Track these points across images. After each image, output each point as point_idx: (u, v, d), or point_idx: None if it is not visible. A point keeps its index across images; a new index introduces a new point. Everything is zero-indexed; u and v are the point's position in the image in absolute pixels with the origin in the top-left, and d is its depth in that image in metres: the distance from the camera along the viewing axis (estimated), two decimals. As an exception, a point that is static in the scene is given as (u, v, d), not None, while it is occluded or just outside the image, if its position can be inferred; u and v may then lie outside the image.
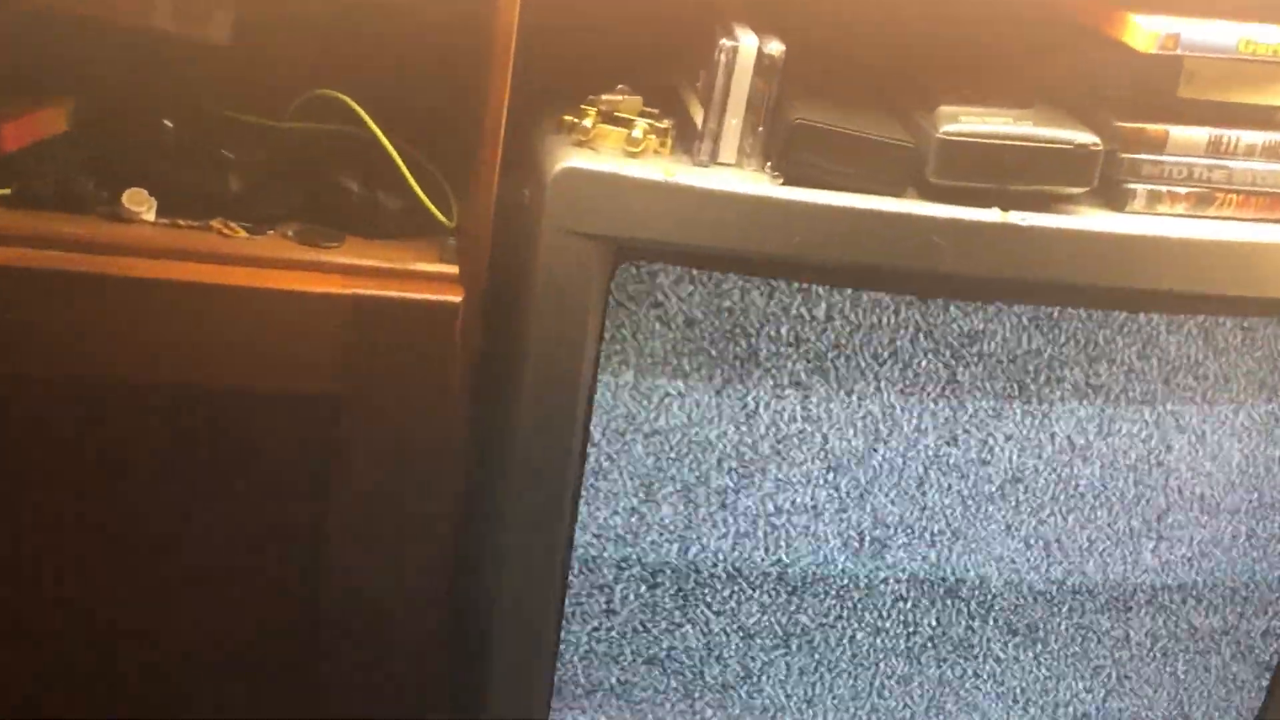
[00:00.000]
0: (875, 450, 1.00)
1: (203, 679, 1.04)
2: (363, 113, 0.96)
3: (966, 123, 0.94)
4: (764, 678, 1.06)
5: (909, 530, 1.03)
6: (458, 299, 0.95)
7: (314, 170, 0.98)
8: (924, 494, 1.02)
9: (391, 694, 1.04)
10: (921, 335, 0.97)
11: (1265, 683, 1.13)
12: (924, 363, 0.98)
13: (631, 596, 1.03)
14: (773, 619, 1.05)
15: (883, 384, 0.98)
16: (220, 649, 1.04)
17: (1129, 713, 1.12)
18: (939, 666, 1.07)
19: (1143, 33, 0.95)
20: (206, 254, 0.94)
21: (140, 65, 0.97)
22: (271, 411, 0.97)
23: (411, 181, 0.97)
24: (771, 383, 0.98)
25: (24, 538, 0.99)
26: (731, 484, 1.00)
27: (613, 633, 1.04)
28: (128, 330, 0.93)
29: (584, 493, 1.00)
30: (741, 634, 1.05)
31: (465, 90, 0.99)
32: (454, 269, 0.96)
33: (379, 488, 0.98)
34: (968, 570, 1.04)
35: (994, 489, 1.02)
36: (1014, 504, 1.03)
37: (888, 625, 1.05)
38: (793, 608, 1.05)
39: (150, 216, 0.95)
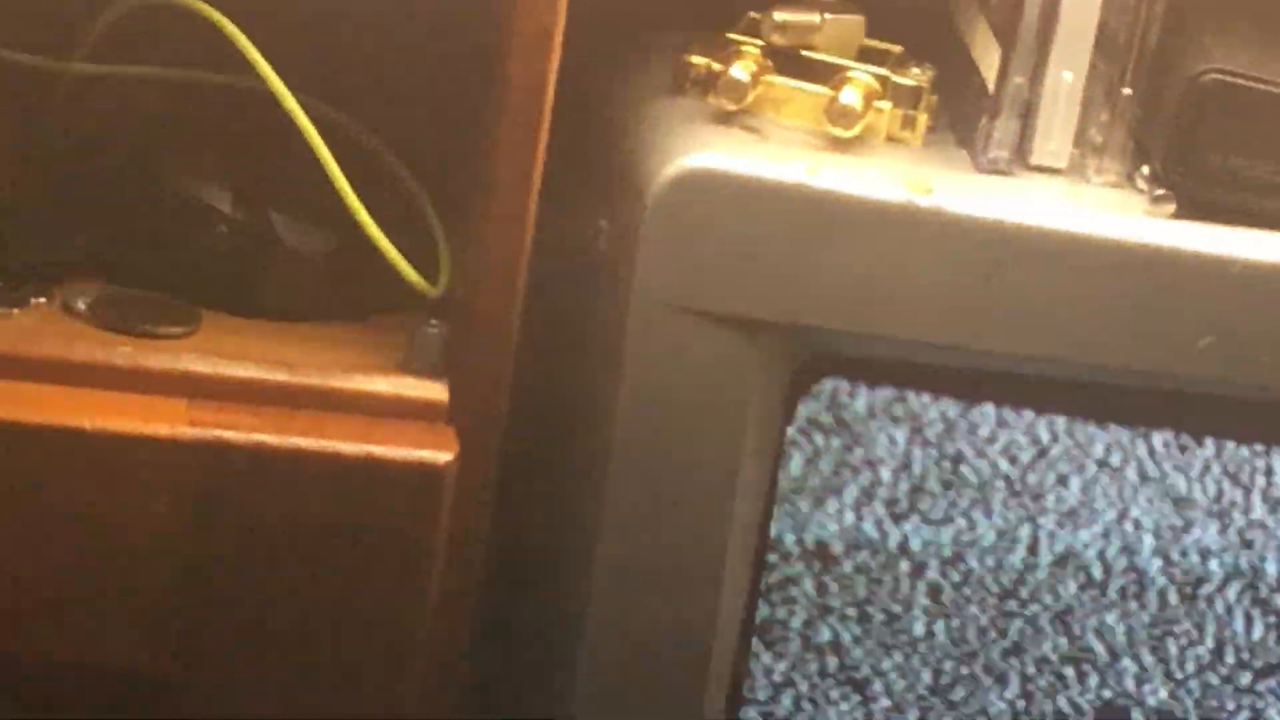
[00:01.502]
0: None
1: None
2: (246, 42, 0.44)
3: None
4: None
5: None
6: (445, 456, 0.46)
7: (139, 168, 0.47)
8: None
9: None
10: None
11: None
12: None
13: None
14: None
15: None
16: None
17: None
18: None
19: None
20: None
21: None
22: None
23: (350, 196, 0.45)
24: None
25: None
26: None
27: None
28: None
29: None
30: None
31: (484, 36, 0.51)
32: (439, 389, 0.47)
33: None
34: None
35: None
36: None
37: None
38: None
39: None
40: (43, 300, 0.48)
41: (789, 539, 0.51)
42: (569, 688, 0.55)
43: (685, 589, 0.51)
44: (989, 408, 0.48)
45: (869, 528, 0.51)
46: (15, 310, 0.47)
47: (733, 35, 0.49)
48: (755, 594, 0.52)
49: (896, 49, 0.50)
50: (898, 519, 0.50)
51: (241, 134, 0.50)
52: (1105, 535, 0.51)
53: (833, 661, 0.53)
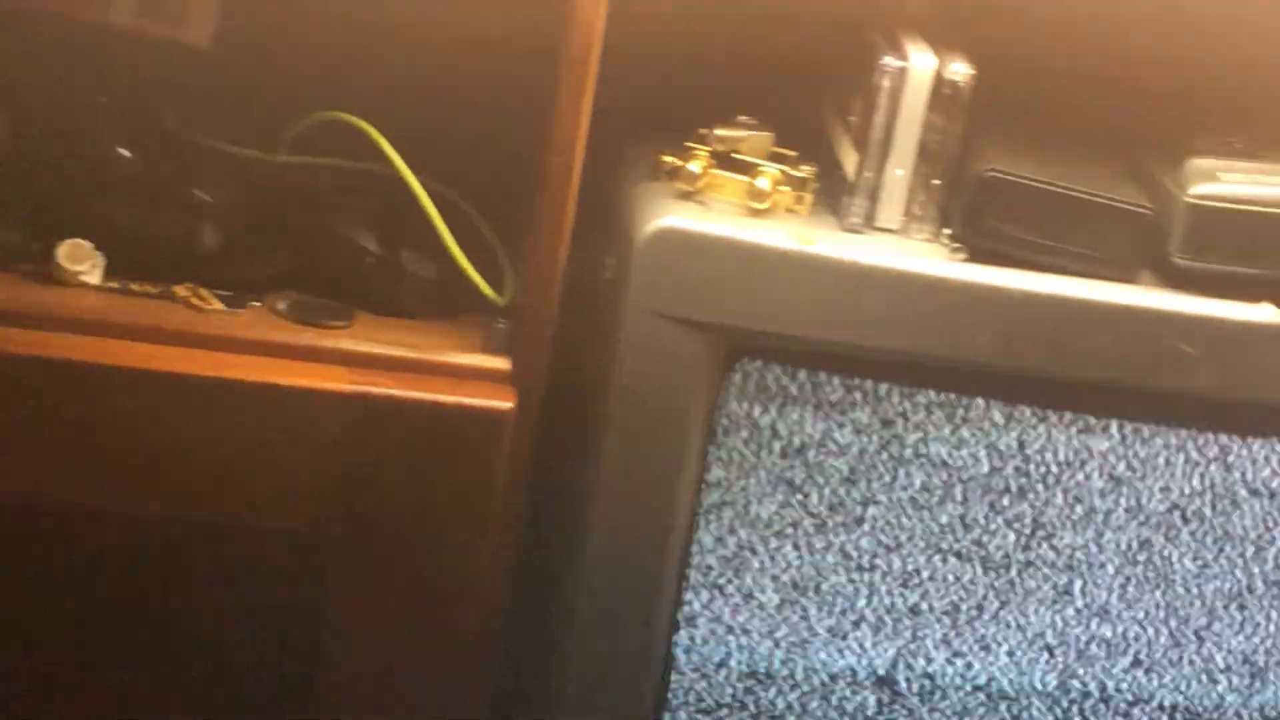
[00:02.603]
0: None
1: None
2: (386, 144, 0.66)
3: (1228, 183, 0.65)
4: None
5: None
6: (508, 405, 0.66)
7: (317, 221, 0.69)
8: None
9: None
10: (1158, 487, 0.67)
11: None
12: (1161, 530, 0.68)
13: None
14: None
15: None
16: None
17: None
18: None
19: None
20: (168, 332, 0.66)
21: (91, 73, 0.68)
22: (247, 553, 0.68)
23: (449, 240, 0.67)
24: (930, 518, 0.68)
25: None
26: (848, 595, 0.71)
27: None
28: (59, 435, 0.65)
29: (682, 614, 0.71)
30: None
31: (528, 118, 0.71)
32: (504, 363, 0.68)
33: (387, 651, 0.69)
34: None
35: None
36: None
37: None
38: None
39: (95, 278, 0.67)
40: (257, 304, 0.68)
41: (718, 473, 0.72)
42: (569, 613, 0.73)
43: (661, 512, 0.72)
44: (855, 379, 0.68)
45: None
46: (242, 310, 0.68)
47: (689, 143, 0.69)
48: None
49: (793, 154, 0.70)
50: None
51: (382, 198, 0.71)
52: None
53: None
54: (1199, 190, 0.64)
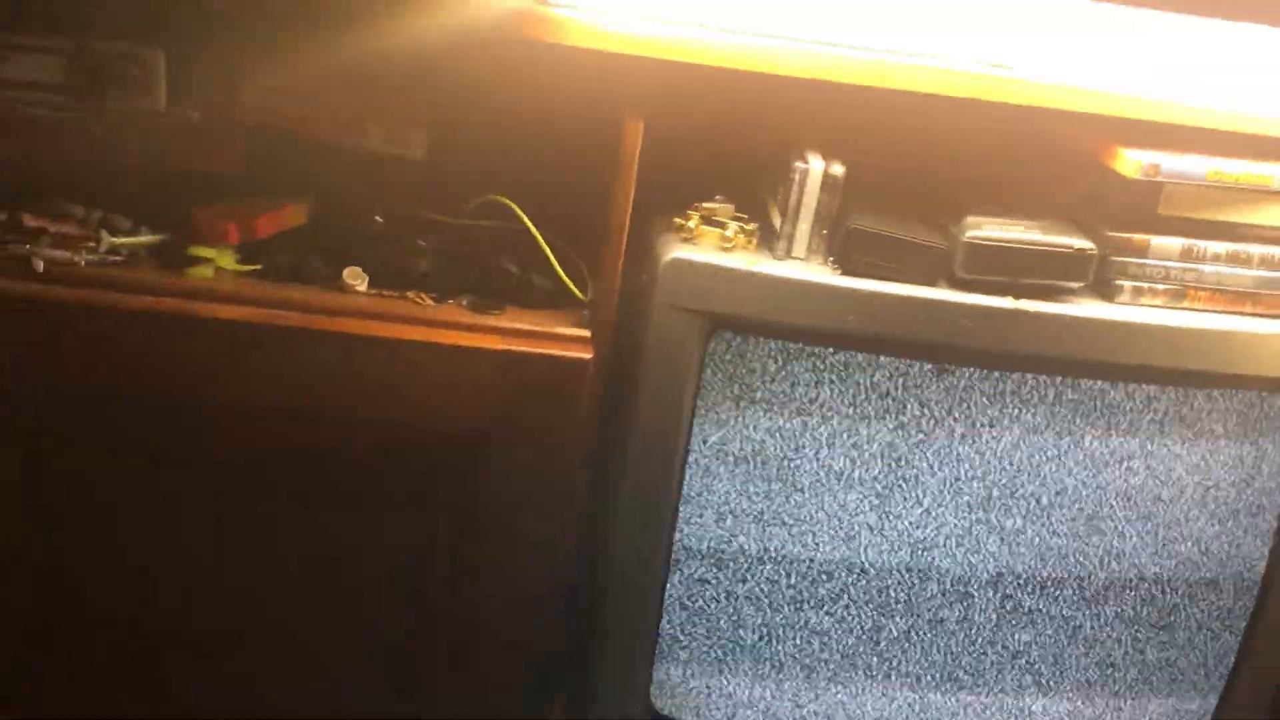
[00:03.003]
0: (911, 474, 1.15)
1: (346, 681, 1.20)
2: (520, 212, 1.15)
3: (988, 229, 1.10)
4: (825, 643, 1.21)
5: (926, 534, 1.17)
6: (589, 356, 1.12)
7: (484, 256, 1.17)
8: (946, 507, 1.16)
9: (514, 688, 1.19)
10: (949, 395, 1.12)
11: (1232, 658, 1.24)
12: (952, 416, 1.13)
13: (714, 581, 1.19)
14: (829, 597, 1.19)
15: (918, 433, 1.14)
16: (363, 649, 1.19)
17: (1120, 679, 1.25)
18: (951, 639, 1.21)
19: (1130, 162, 1.09)
20: (404, 317, 1.12)
21: (358, 176, 1.17)
22: (439, 442, 1.13)
23: (556, 266, 1.15)
24: (829, 425, 1.13)
25: (198, 547, 1.15)
26: (796, 501, 1.16)
27: (700, 606, 1.20)
28: (341, 374, 1.11)
29: (682, 506, 1.16)
30: (805, 608, 1.19)
31: (599, 195, 1.15)
32: (586, 334, 1.13)
33: (521, 500, 1.14)
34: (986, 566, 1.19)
35: (1002, 504, 1.16)
36: (1016, 516, 1.17)
37: (912, 602, 1.20)
38: (847, 591, 1.20)
39: (363, 288, 1.14)
40: (451, 302, 1.14)
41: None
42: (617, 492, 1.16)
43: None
44: (785, 342, 1.11)
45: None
46: (443, 305, 1.13)
47: (688, 211, 1.14)
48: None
49: (744, 215, 1.14)
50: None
51: (519, 243, 1.18)
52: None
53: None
54: (972, 234, 1.10)
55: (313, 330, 1.10)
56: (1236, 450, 1.15)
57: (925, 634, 1.20)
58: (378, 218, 1.15)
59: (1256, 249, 1.11)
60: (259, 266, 1.14)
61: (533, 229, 1.15)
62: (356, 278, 1.14)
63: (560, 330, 1.13)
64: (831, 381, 1.12)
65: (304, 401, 1.11)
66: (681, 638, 1.20)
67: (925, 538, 1.17)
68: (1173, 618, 1.21)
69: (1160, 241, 1.10)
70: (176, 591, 1.16)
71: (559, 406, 1.12)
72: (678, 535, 1.16)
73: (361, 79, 1.13)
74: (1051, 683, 1.22)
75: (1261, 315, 1.11)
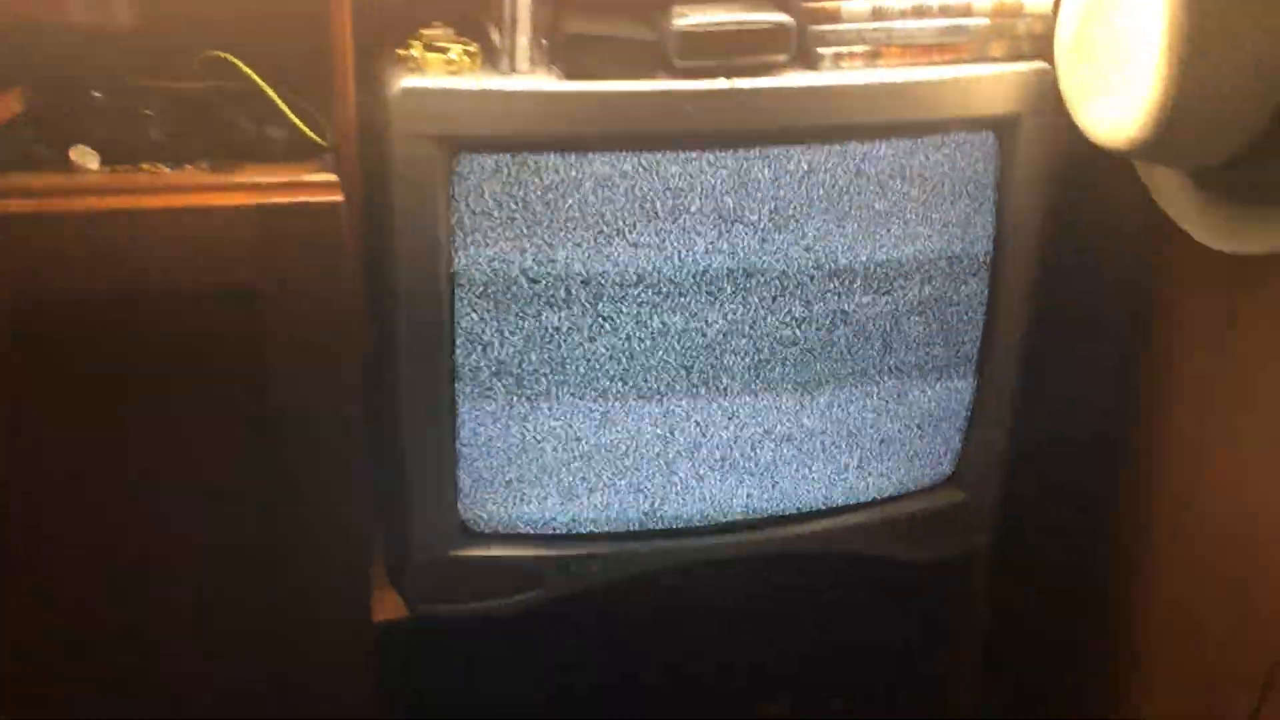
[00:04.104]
0: (665, 267, 1.20)
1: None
2: (244, 67, 1.13)
3: (695, 17, 1.13)
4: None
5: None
6: (339, 199, 1.11)
7: (215, 116, 1.14)
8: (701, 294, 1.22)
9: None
10: (686, 178, 1.17)
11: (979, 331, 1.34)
12: (692, 200, 1.18)
13: (499, 409, 1.22)
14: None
15: (662, 221, 1.18)
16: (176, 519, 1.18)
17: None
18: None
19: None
20: (143, 188, 1.10)
21: (66, 53, 1.13)
22: (204, 306, 1.11)
23: (290, 114, 1.14)
24: (581, 230, 1.16)
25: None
26: (564, 310, 1.19)
27: (493, 419, 1.23)
28: (84, 253, 1.07)
29: (457, 333, 1.18)
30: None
31: (320, 40, 1.12)
32: (333, 178, 1.12)
33: (302, 352, 1.14)
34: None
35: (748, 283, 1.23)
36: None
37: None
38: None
39: (95, 166, 1.10)
40: (190, 166, 1.12)
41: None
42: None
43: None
44: (520, 152, 1.13)
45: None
46: (182, 170, 1.11)
47: (410, 40, 1.12)
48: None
49: (465, 39, 1.14)
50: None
51: (246, 97, 1.16)
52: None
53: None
54: (680, 23, 1.12)
55: (52, 214, 1.06)
56: (949, 198, 1.25)
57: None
58: (95, 93, 1.11)
59: (935, 0, 1.18)
60: (-20, 162, 1.09)
61: (259, 80, 1.13)
62: (85, 156, 1.10)
63: (306, 178, 1.12)
64: (576, 185, 1.15)
65: (59, 285, 1.08)
66: (484, 458, 1.24)
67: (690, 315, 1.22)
68: (908, 393, 1.30)
69: (850, 6, 1.16)
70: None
71: (319, 254, 1.12)
72: (458, 364, 1.19)
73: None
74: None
75: (950, 62, 1.19)
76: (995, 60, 1.21)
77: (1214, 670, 1.30)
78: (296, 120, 1.14)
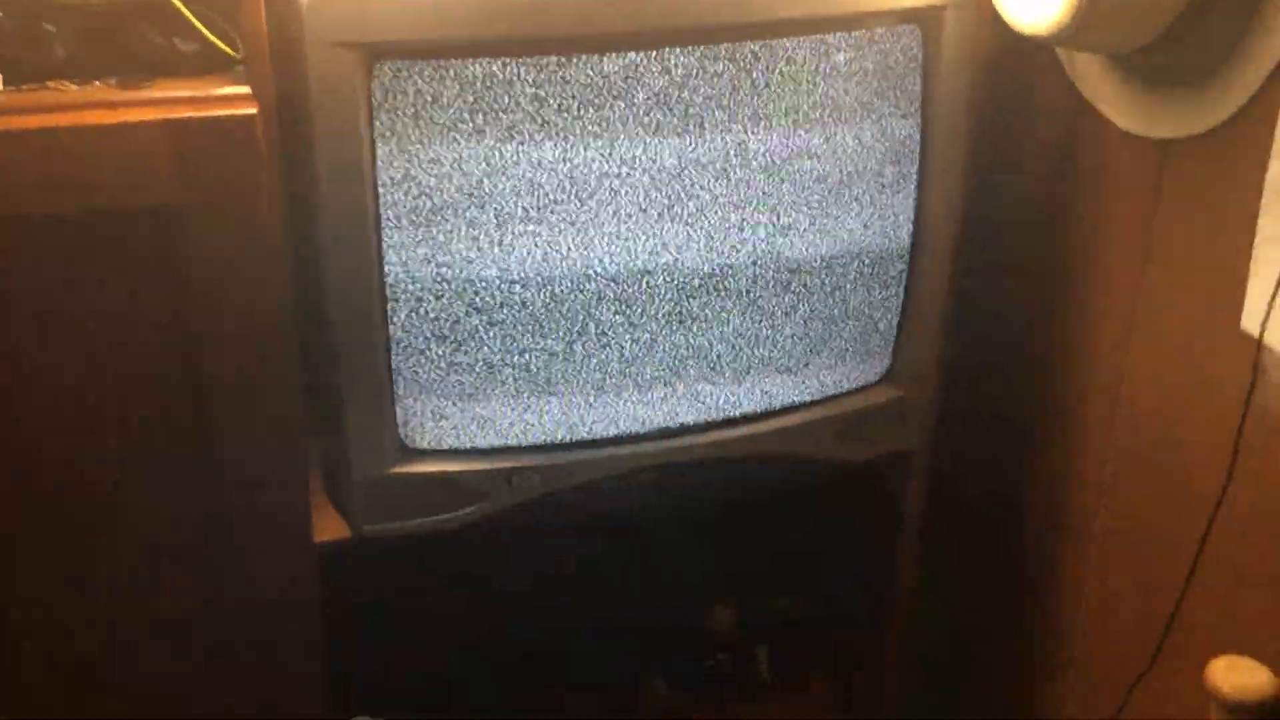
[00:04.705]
0: (593, 177, 1.17)
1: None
2: None
3: None
4: (544, 355, 1.25)
5: (610, 233, 1.21)
6: (254, 110, 1.08)
7: (121, 31, 1.10)
8: (623, 204, 1.20)
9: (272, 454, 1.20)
10: (607, 80, 1.14)
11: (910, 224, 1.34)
12: (615, 102, 1.15)
13: (431, 324, 1.20)
14: (551, 310, 1.22)
15: (584, 122, 1.16)
16: (102, 437, 1.15)
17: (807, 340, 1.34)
18: (660, 327, 1.27)
19: None
20: (50, 106, 1.06)
21: None
22: (122, 226, 1.08)
23: (199, 25, 1.10)
24: (501, 133, 1.13)
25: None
26: (492, 216, 1.17)
27: (429, 352, 1.21)
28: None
29: (385, 247, 1.15)
30: (518, 324, 1.22)
31: None
32: (246, 89, 1.09)
33: (227, 267, 1.12)
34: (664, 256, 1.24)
35: (670, 194, 1.21)
36: (687, 207, 1.22)
37: (616, 301, 1.25)
38: (558, 300, 1.23)
39: None
40: (99, 83, 1.08)
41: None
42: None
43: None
44: (442, 58, 1.09)
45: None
46: (91, 86, 1.07)
47: None
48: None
49: None
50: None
51: (153, 10, 1.12)
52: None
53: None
54: None
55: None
56: (875, 92, 1.24)
57: (626, 337, 1.25)
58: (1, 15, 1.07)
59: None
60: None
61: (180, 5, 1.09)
62: (-13, 76, 1.06)
63: (218, 91, 1.09)
64: (500, 88, 1.12)
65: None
66: (419, 374, 1.22)
67: (610, 237, 1.20)
68: (841, 290, 1.31)
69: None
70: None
71: (237, 165, 1.09)
72: (387, 278, 1.16)
73: None
74: (751, 364, 1.30)
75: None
76: (918, -47, 1.20)
77: (1146, 536, 1.33)
78: (206, 32, 1.10)
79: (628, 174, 1.18)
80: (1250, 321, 1.13)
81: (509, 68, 1.11)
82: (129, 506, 1.18)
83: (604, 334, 1.25)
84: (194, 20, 1.09)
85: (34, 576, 1.19)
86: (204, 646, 1.25)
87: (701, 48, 1.15)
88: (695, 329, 1.28)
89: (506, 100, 1.13)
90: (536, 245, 1.19)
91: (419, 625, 1.51)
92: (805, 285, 1.30)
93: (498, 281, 1.20)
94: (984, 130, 1.34)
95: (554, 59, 1.12)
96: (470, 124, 1.13)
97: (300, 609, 1.26)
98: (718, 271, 1.26)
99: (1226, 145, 1.15)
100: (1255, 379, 1.12)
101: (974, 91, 1.27)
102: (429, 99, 1.11)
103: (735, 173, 1.21)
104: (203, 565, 1.22)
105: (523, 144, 1.15)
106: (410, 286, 1.18)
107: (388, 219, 1.14)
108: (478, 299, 1.20)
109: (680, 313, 1.26)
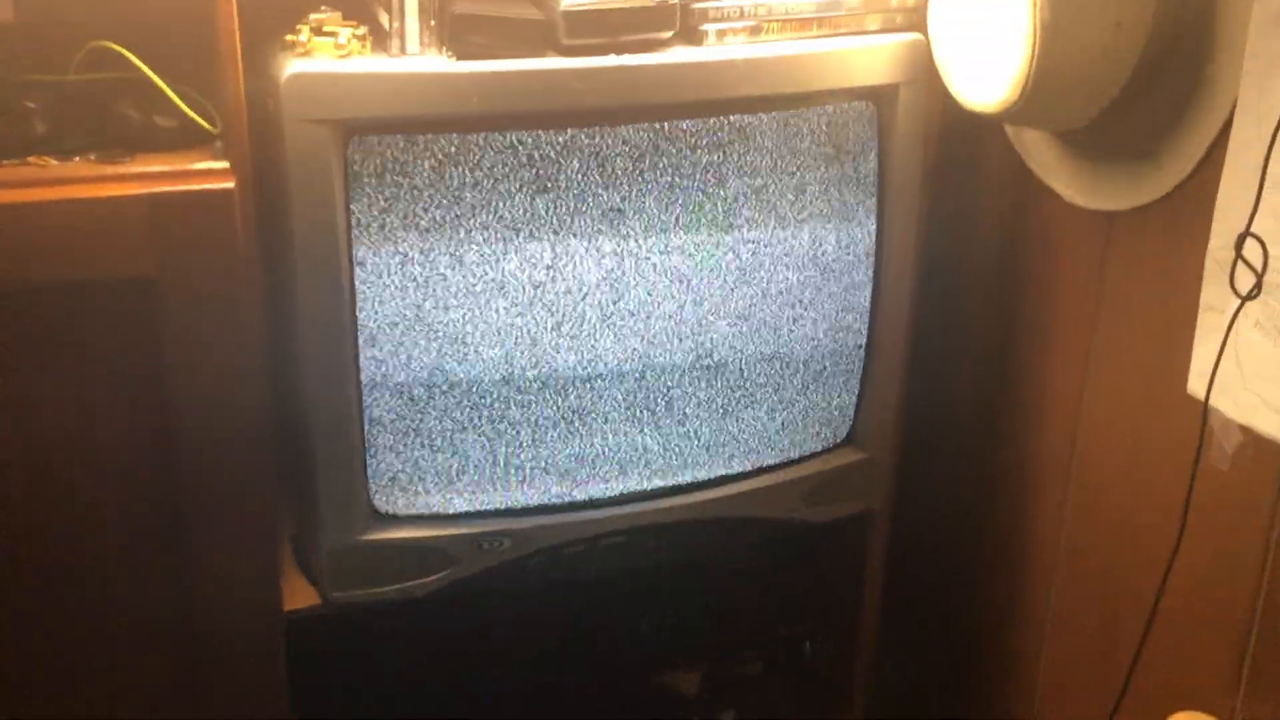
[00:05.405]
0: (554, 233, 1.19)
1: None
2: (132, 56, 1.10)
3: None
4: (507, 441, 1.26)
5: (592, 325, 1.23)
6: (231, 184, 1.10)
7: (101, 108, 1.12)
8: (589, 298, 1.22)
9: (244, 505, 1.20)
10: (577, 154, 1.17)
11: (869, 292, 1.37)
12: (584, 176, 1.18)
13: (404, 402, 1.21)
14: (513, 404, 1.24)
15: (554, 194, 1.18)
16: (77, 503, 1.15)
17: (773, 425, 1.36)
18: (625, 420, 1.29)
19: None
20: (29, 181, 1.08)
21: None
22: (99, 298, 1.09)
23: (178, 102, 1.12)
24: (476, 209, 1.15)
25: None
26: (459, 316, 1.19)
27: (401, 426, 1.22)
28: None
29: (360, 342, 1.17)
30: (487, 419, 1.24)
31: (206, 27, 1.10)
32: (224, 164, 1.11)
33: (201, 341, 1.12)
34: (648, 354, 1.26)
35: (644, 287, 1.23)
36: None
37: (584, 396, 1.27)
38: (523, 398, 1.25)
39: None
40: (79, 159, 1.10)
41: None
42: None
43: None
44: (411, 134, 1.12)
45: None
46: (70, 162, 1.09)
47: (297, 26, 1.12)
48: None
49: (353, 22, 1.14)
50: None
51: (137, 90, 1.14)
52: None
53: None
54: (567, 4, 1.13)
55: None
56: (833, 166, 1.27)
57: (600, 426, 1.27)
58: (-22, 90, 1.08)
59: (812, -23, 1.21)
60: None
61: (144, 68, 1.10)
62: (-35, 152, 1.07)
63: (196, 166, 1.11)
64: (471, 163, 1.14)
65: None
66: (392, 445, 1.22)
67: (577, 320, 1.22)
68: (802, 372, 1.34)
69: (732, -19, 1.19)
70: None
71: (215, 238, 1.10)
72: (362, 354, 1.17)
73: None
74: (714, 444, 1.33)
75: (828, 35, 1.21)
76: (872, 33, 1.24)
77: (1101, 595, 1.35)
78: (185, 108, 1.12)
79: (597, 241, 1.20)
80: (1197, 385, 1.16)
81: (483, 142, 1.13)
82: (98, 577, 1.17)
83: (570, 425, 1.26)
84: (173, 96, 1.11)
85: (3, 650, 1.18)
86: (173, 716, 1.24)
87: (667, 123, 1.18)
88: (660, 421, 1.30)
89: (481, 174, 1.14)
90: (508, 309, 1.21)
91: (388, 691, 1.50)
92: (768, 372, 1.32)
93: (470, 346, 1.22)
94: (937, 203, 1.38)
95: (526, 133, 1.14)
96: (442, 196, 1.14)
97: (268, 677, 1.25)
98: (682, 365, 1.28)
99: (1170, 216, 1.20)
100: (1203, 440, 1.15)
101: (928, 165, 1.31)
102: (402, 173, 1.13)
103: (698, 240, 1.24)
104: (171, 635, 1.21)
105: (494, 216, 1.17)
106: (385, 365, 1.19)
107: (363, 295, 1.15)
108: (446, 384, 1.21)
109: (644, 404, 1.28)
